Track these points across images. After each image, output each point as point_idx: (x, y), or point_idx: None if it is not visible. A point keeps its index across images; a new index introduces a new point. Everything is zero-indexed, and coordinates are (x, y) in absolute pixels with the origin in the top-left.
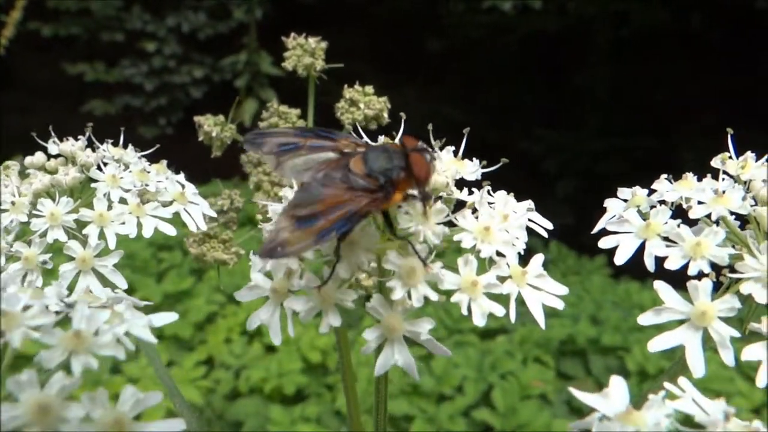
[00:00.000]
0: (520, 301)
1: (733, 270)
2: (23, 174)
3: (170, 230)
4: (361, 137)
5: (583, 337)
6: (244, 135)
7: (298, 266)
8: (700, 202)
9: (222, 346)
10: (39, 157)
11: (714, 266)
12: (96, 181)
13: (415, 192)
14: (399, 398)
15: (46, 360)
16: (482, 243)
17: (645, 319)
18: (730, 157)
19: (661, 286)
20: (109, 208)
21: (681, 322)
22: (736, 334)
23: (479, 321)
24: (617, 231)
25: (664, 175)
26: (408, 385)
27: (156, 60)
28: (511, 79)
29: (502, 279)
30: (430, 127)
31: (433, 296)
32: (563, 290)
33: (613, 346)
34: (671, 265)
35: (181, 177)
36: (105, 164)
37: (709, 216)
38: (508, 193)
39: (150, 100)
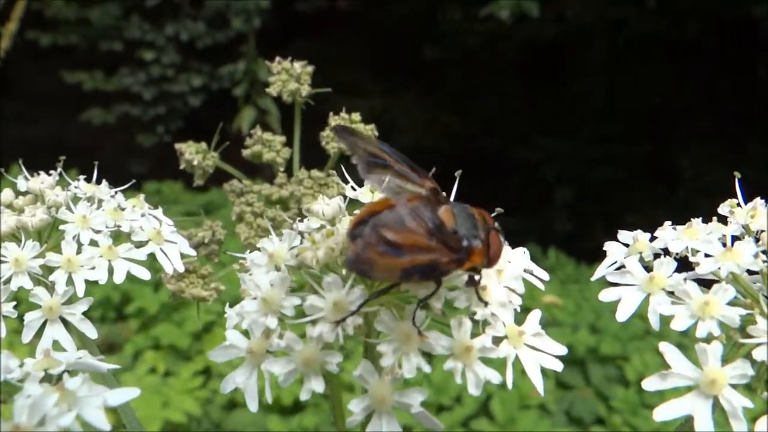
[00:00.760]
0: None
1: (744, 332)
2: None
3: (144, 274)
4: (343, 174)
5: (582, 346)
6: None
7: (277, 325)
8: (707, 255)
9: None
10: (6, 194)
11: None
12: (65, 222)
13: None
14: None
15: None
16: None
17: (650, 384)
18: (738, 204)
19: (667, 349)
20: (79, 251)
21: (689, 387)
22: (750, 404)
23: (474, 391)
24: (618, 283)
25: (668, 223)
26: None
27: (154, 69)
28: (509, 87)
29: (497, 340)
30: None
31: (426, 368)
32: (562, 350)
33: (613, 355)
34: (677, 326)
35: (159, 212)
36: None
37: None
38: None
39: (148, 109)
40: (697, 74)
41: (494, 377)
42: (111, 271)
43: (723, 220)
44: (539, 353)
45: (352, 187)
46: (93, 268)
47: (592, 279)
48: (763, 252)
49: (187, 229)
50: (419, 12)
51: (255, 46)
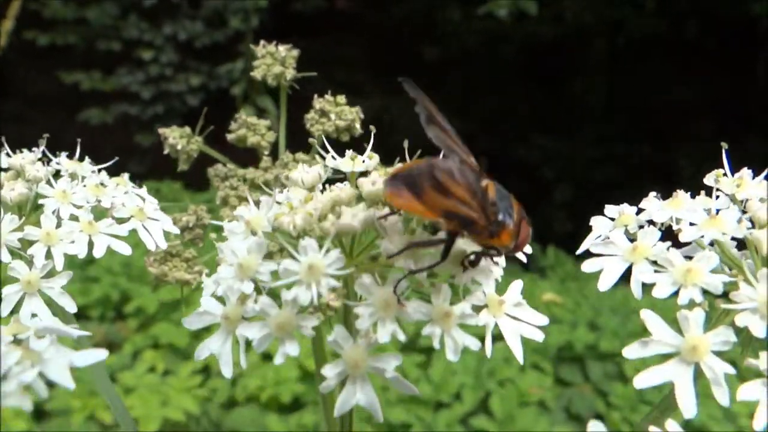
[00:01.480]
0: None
1: (727, 298)
2: None
3: (125, 249)
4: (328, 151)
5: (581, 343)
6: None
7: (252, 290)
8: (691, 224)
9: None
10: None
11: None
12: (45, 197)
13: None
14: (396, 406)
15: None
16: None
17: (631, 351)
18: (725, 174)
19: (648, 316)
20: (59, 225)
21: (670, 355)
22: (732, 370)
23: (452, 356)
24: (602, 253)
25: (653, 193)
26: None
27: (153, 68)
28: (508, 87)
29: (477, 309)
30: (405, 144)
31: (401, 336)
32: (543, 320)
33: (612, 352)
34: (659, 293)
35: (143, 191)
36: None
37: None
38: None
39: (147, 108)
40: (696, 74)
41: (473, 343)
42: (91, 246)
43: (710, 194)
44: (520, 323)
45: (333, 157)
46: (73, 242)
47: (578, 252)
48: (748, 219)
49: (172, 215)
50: (418, 12)
51: (253, 46)
